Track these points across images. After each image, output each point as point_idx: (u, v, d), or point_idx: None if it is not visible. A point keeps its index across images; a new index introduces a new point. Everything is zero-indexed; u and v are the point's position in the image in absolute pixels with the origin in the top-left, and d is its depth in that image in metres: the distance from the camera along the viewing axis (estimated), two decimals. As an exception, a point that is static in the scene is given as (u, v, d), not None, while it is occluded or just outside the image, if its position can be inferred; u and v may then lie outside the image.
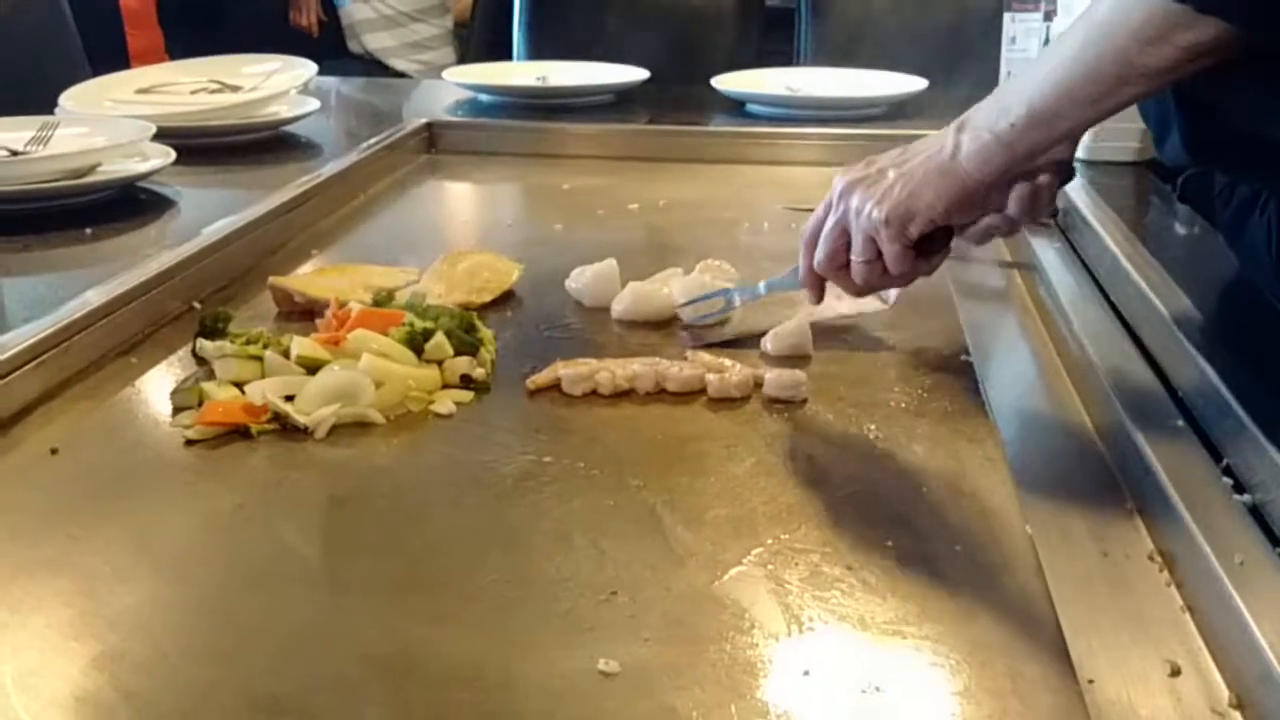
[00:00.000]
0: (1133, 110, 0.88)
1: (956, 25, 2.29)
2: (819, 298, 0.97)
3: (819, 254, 0.92)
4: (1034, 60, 0.82)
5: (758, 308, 1.05)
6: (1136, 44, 0.73)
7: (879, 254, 0.89)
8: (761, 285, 1.03)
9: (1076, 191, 1.30)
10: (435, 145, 1.84)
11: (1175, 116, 0.86)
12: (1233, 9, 0.69)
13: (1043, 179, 0.88)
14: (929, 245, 0.88)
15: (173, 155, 1.41)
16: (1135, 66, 0.74)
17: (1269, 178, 0.90)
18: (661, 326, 1.07)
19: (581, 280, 1.12)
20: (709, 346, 1.01)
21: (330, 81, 2.27)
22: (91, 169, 1.35)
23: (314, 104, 1.79)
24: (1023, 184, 0.87)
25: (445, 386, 0.92)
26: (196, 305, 1.10)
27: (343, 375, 0.88)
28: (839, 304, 1.05)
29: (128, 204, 1.34)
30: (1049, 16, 1.76)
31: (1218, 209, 1.04)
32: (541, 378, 0.93)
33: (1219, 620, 0.63)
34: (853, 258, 0.90)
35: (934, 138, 0.87)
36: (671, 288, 1.10)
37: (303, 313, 1.08)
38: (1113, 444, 0.86)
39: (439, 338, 0.93)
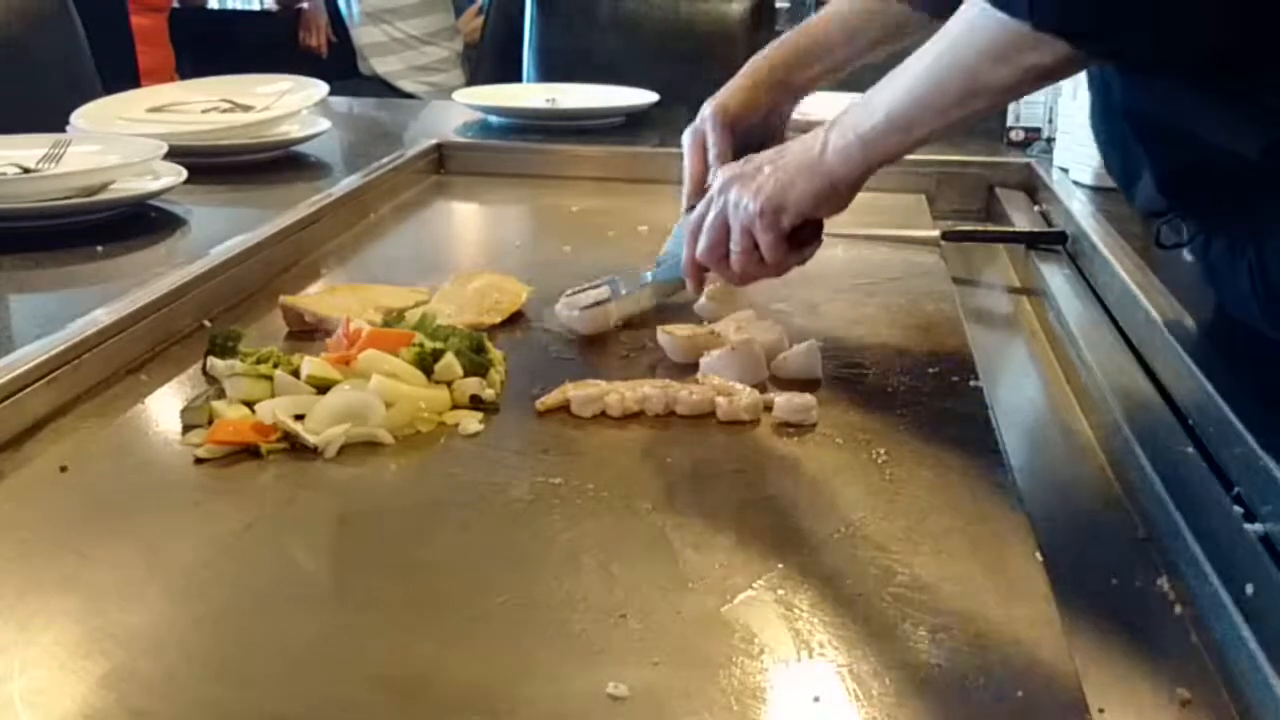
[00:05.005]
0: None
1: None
2: (700, 287, 1.04)
3: (701, 244, 0.99)
4: (900, 67, 0.86)
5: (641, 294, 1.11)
6: (984, 61, 0.77)
7: (756, 245, 0.95)
8: (646, 275, 1.10)
9: (1085, 218, 1.31)
10: (445, 166, 1.85)
11: (1144, 158, 0.86)
12: (1068, 27, 0.71)
13: None
14: (802, 237, 0.95)
15: (184, 174, 1.42)
16: (980, 83, 0.78)
17: (1241, 215, 0.88)
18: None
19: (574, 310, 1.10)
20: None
21: (341, 102, 2.28)
22: (103, 187, 1.35)
23: (325, 124, 1.80)
24: None
25: (455, 407, 0.92)
26: (207, 323, 1.11)
27: (353, 395, 0.88)
28: None
29: (139, 222, 1.35)
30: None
31: (1195, 257, 1.01)
32: (551, 399, 0.93)
33: (1230, 650, 0.63)
34: (731, 248, 0.97)
35: (809, 135, 0.93)
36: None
37: (313, 332, 1.08)
38: (1122, 471, 0.86)
39: (449, 358, 0.93)
